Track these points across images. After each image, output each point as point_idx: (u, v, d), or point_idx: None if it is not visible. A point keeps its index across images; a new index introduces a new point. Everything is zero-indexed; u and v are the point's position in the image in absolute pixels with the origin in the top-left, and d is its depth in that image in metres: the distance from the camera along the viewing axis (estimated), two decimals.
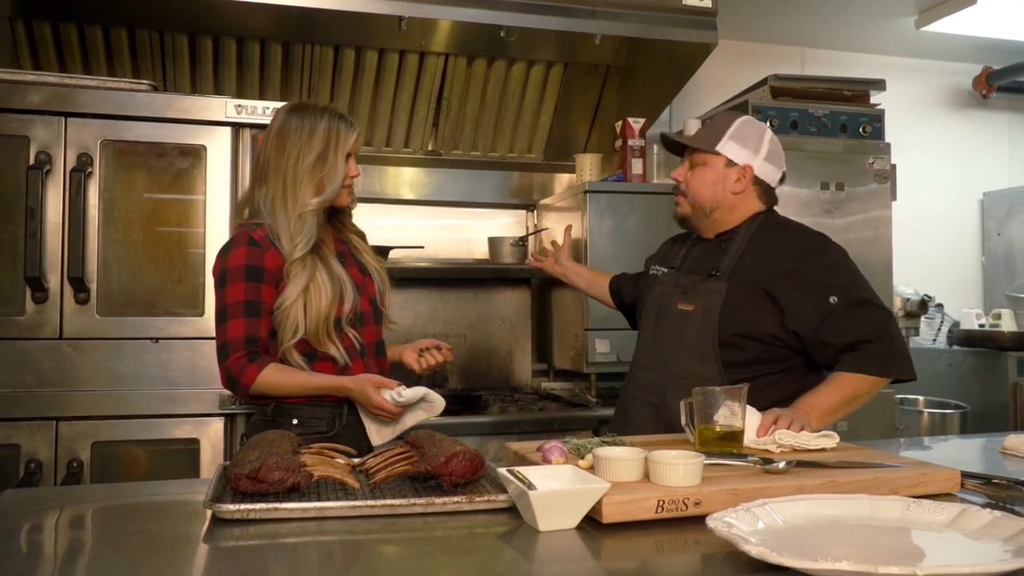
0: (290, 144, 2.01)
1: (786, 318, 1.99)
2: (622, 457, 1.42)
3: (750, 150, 2.09)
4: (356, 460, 1.61)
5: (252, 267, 1.95)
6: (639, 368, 2.22)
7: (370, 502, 1.35)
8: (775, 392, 2.01)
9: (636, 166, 3.50)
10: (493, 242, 3.78)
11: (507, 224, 3.99)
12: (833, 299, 1.97)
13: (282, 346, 1.96)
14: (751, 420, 1.73)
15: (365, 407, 1.98)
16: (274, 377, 1.92)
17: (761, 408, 1.89)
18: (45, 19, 3.03)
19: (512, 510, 1.36)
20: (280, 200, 2.00)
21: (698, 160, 2.13)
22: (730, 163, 2.09)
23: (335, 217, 2.16)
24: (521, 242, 3.74)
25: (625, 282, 2.51)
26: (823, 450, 1.70)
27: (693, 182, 2.13)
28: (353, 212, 2.21)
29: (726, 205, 2.12)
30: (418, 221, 3.83)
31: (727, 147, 2.09)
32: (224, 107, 2.64)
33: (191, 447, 2.56)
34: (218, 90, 3.35)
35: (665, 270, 2.25)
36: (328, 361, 2.01)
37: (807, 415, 1.84)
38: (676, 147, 2.23)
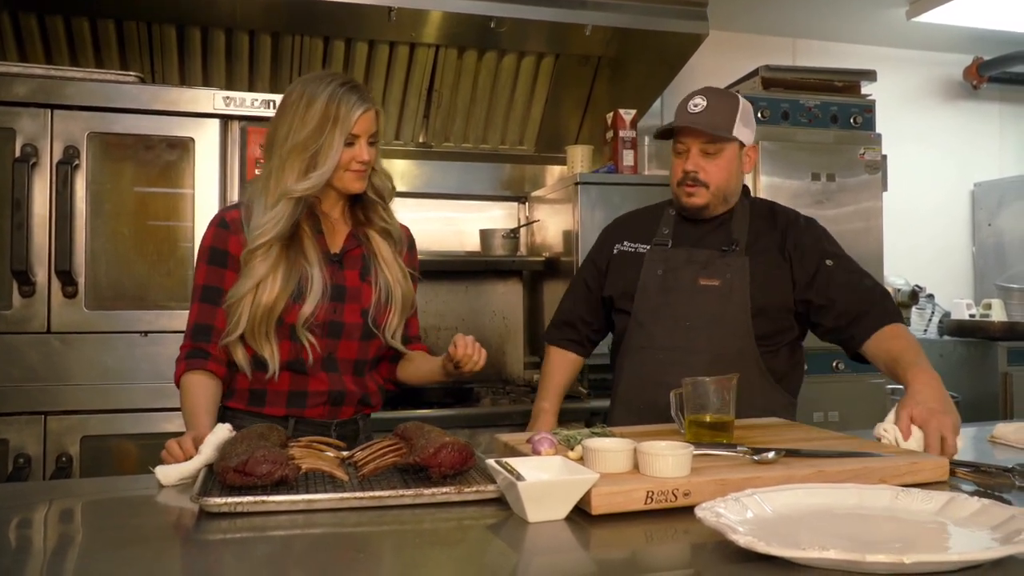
0: (286, 117, 1.80)
1: (797, 286, 2.09)
2: (611, 448, 1.41)
3: (751, 129, 2.14)
4: (345, 453, 1.60)
5: (216, 250, 1.83)
6: (659, 350, 2.10)
7: (358, 494, 1.34)
8: (785, 358, 2.13)
9: (627, 158, 3.49)
10: (484, 234, 3.77)
11: (498, 216, 3.98)
12: (829, 262, 2.09)
13: (224, 339, 1.80)
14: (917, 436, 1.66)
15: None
16: (184, 389, 1.81)
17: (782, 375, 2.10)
18: (31, 11, 3.01)
19: (501, 501, 1.35)
20: (265, 180, 1.81)
21: (713, 149, 2.08)
22: (741, 146, 2.12)
23: (359, 208, 1.94)
24: (512, 234, 3.74)
25: (578, 312, 2.32)
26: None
27: (715, 171, 2.08)
28: (391, 206, 1.98)
29: (739, 187, 2.17)
30: (409, 213, 3.77)
31: (739, 130, 2.08)
32: (212, 99, 2.63)
33: None
34: (207, 82, 3.33)
35: (646, 247, 2.19)
36: (261, 369, 1.82)
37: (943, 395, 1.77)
38: (670, 133, 2.15)
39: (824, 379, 3.42)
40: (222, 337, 1.81)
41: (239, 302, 1.78)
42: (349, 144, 1.80)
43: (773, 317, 2.09)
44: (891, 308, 2.05)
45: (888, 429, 1.67)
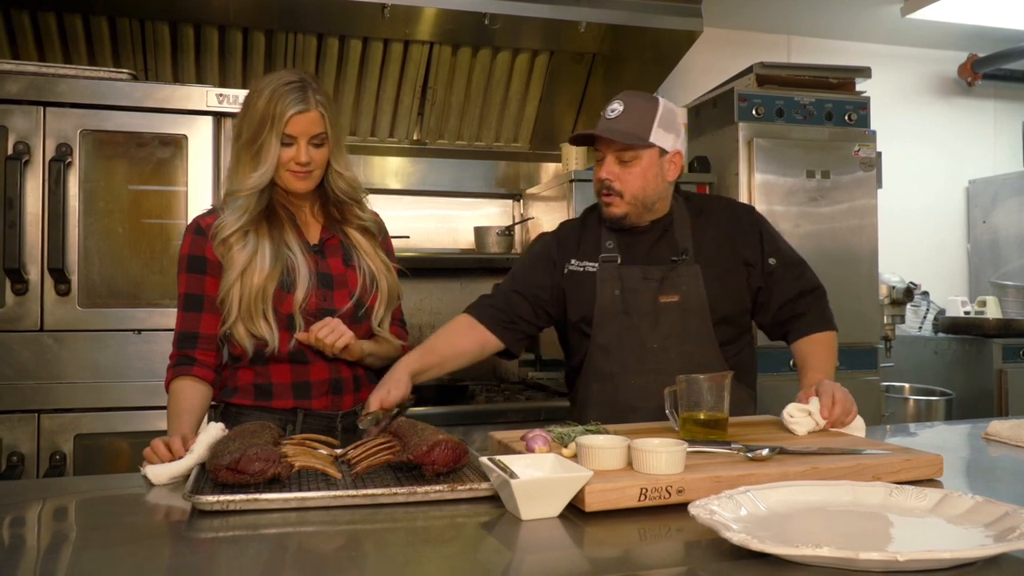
0: (241, 114, 1.86)
1: (752, 284, 2.09)
2: (605, 445, 1.41)
3: (674, 134, 2.04)
4: (338, 451, 1.60)
5: (194, 257, 1.87)
6: (630, 374, 2.03)
7: (351, 492, 1.34)
8: (747, 355, 2.15)
9: None
10: (479, 232, 3.77)
11: (493, 214, 3.97)
12: (772, 261, 2.08)
13: (223, 329, 1.86)
14: (813, 409, 1.76)
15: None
16: (171, 394, 1.84)
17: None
18: (24, 7, 2.99)
19: (495, 499, 1.35)
20: (227, 179, 1.90)
21: (628, 156, 1.98)
22: (662, 152, 2.01)
23: (332, 206, 1.96)
24: (507, 232, 3.74)
25: (517, 305, 2.10)
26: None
27: (630, 179, 1.99)
28: (366, 203, 2.00)
29: (664, 194, 2.07)
30: (403, 211, 3.82)
31: (658, 136, 1.99)
32: (205, 96, 2.62)
33: None
34: (200, 79, 3.32)
35: (594, 264, 2.07)
36: (262, 362, 1.87)
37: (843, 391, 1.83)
38: (585, 140, 2.08)
39: None
40: (223, 328, 1.86)
41: (228, 292, 1.83)
42: (287, 144, 1.81)
43: (733, 321, 2.08)
44: (826, 313, 2.11)
45: (793, 414, 1.76)
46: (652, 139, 1.98)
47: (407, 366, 1.89)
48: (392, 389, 1.77)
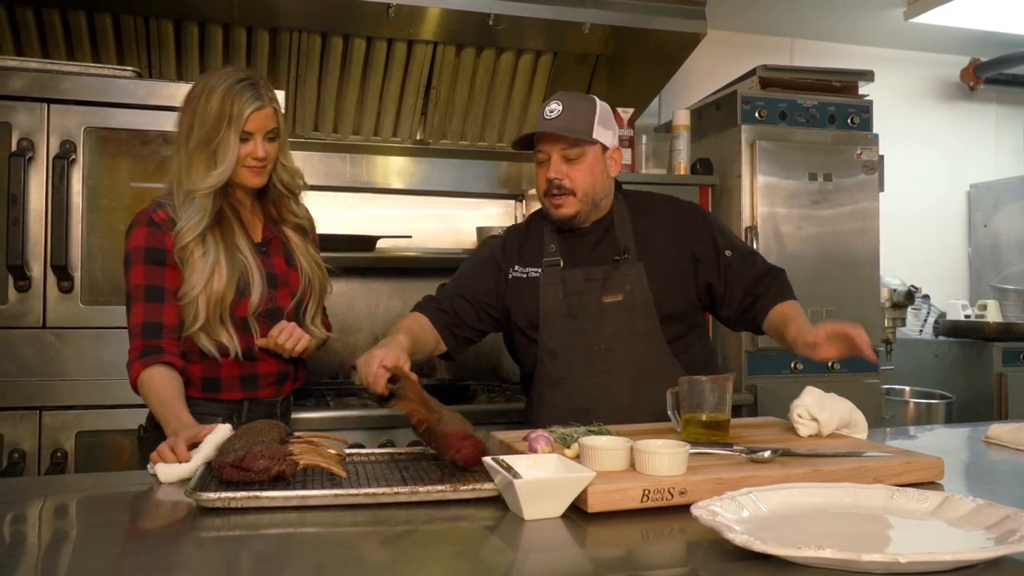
0: (188, 114, 1.87)
1: (701, 278, 2.09)
2: (608, 446, 1.42)
3: (612, 132, 2.08)
4: (346, 451, 1.61)
5: (152, 249, 1.86)
6: (579, 376, 2.04)
7: (352, 491, 1.34)
8: (698, 350, 2.15)
9: (624, 156, 3.49)
10: (481, 232, 3.76)
11: (495, 214, 3.97)
12: (728, 253, 2.10)
13: (187, 331, 1.86)
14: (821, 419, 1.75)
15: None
16: (146, 384, 1.79)
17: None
18: (28, 4, 2.99)
19: (498, 499, 1.35)
20: (177, 176, 1.88)
21: (574, 154, 2.01)
22: (604, 148, 2.06)
23: (269, 202, 2.00)
24: None
25: (461, 310, 2.14)
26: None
27: (580, 177, 2.02)
28: (301, 198, 2.05)
29: (609, 191, 2.11)
30: (406, 211, 3.82)
31: (599, 133, 2.02)
32: None
33: None
34: None
35: (537, 270, 2.10)
36: (223, 354, 1.89)
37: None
38: (526, 145, 2.09)
39: (819, 379, 3.39)
40: (184, 331, 1.87)
41: (196, 298, 1.84)
42: (244, 140, 1.86)
43: (681, 318, 2.09)
44: (786, 288, 2.10)
45: (802, 414, 1.74)
46: (595, 135, 2.02)
47: (402, 346, 1.89)
48: (405, 362, 1.77)
